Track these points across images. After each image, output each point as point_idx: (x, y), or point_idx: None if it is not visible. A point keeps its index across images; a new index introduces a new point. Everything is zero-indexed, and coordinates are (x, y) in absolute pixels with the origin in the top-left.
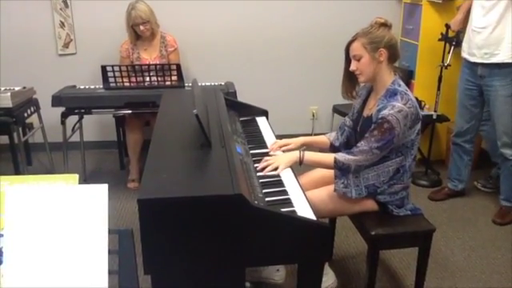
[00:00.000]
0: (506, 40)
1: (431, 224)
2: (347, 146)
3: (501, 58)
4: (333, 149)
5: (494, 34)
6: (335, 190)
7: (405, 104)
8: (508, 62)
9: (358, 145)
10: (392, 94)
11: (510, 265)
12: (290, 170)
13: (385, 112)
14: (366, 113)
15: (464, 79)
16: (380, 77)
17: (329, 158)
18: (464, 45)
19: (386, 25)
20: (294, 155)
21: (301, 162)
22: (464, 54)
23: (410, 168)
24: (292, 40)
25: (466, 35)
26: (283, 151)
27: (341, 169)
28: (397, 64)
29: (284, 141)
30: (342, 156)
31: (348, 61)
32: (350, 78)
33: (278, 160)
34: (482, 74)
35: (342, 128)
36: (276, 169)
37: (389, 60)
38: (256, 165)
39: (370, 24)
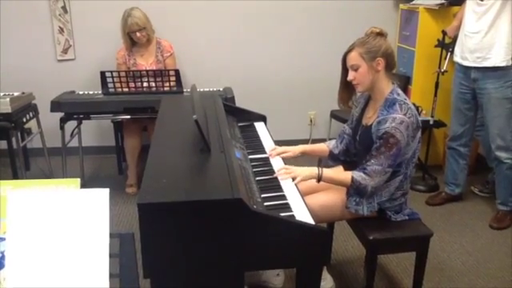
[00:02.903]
0: (497, 44)
1: (429, 229)
2: (347, 153)
3: (493, 62)
4: (332, 157)
5: (486, 39)
6: (347, 208)
7: (405, 114)
8: (500, 66)
9: (369, 163)
10: (391, 103)
11: (507, 269)
12: None
13: (387, 125)
14: (364, 121)
15: (457, 83)
16: (378, 86)
17: (346, 176)
18: (456, 49)
19: (381, 34)
20: (314, 171)
21: (319, 178)
22: (456, 58)
23: (410, 175)
24: (290, 45)
25: (458, 40)
26: (282, 158)
27: (357, 188)
28: (394, 70)
29: (283, 148)
30: (359, 175)
31: (345, 71)
32: (347, 88)
33: (298, 172)
34: (475, 78)
35: (342, 136)
36: (294, 178)
37: (386, 69)
38: (255, 169)
39: (365, 33)
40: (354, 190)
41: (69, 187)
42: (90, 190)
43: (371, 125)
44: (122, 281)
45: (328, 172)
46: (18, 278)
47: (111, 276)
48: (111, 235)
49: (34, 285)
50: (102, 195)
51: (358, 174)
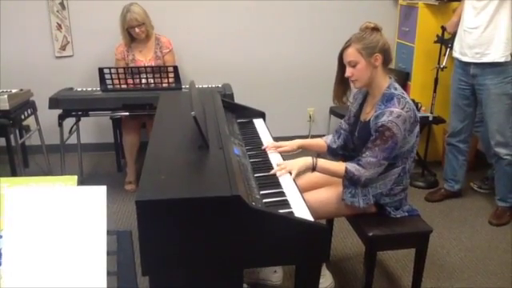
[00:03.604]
0: (496, 40)
1: (428, 225)
2: (344, 148)
3: (492, 57)
4: (330, 152)
5: (485, 34)
6: (343, 200)
7: (402, 108)
8: (499, 62)
9: (364, 155)
10: (389, 98)
11: (506, 265)
12: None
13: (384, 119)
14: (363, 117)
15: (457, 79)
16: (376, 82)
17: (340, 167)
18: (456, 45)
19: (377, 29)
20: (308, 161)
21: (314, 168)
22: (456, 54)
23: (409, 170)
24: (289, 42)
25: (457, 35)
26: (280, 153)
27: (351, 179)
28: (393, 66)
29: (280, 143)
30: (352, 166)
31: (341, 67)
32: (342, 84)
33: (292, 164)
34: (475, 74)
35: (339, 131)
36: (290, 173)
37: (383, 64)
38: (253, 166)
39: (360, 29)
40: (348, 181)
41: (66, 184)
42: (87, 187)
43: (369, 120)
44: (120, 279)
45: (322, 161)
46: (15, 276)
47: (109, 274)
48: (109, 233)
49: (32, 283)
50: (99, 192)
51: (351, 165)
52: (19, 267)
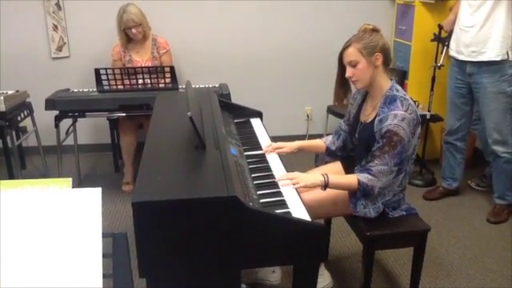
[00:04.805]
0: (492, 38)
1: (426, 224)
2: (344, 149)
3: (488, 56)
4: (329, 153)
5: (481, 33)
6: (357, 213)
7: (406, 110)
8: (496, 60)
9: (373, 164)
10: (391, 100)
11: (504, 263)
12: (284, 170)
13: (388, 123)
14: (363, 119)
15: (453, 77)
16: (377, 82)
17: (352, 179)
18: (452, 43)
19: (376, 30)
20: (319, 179)
21: (326, 185)
22: (452, 53)
23: (409, 171)
24: (286, 41)
25: (453, 34)
26: (278, 154)
27: (364, 190)
28: (390, 66)
29: (279, 144)
30: (364, 177)
31: (341, 68)
32: (343, 86)
33: (302, 178)
34: (471, 72)
35: (338, 132)
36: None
37: (384, 64)
38: (251, 166)
39: (359, 30)
40: (361, 193)
41: (61, 187)
42: (82, 189)
43: (371, 122)
44: (116, 281)
45: (333, 178)
46: (10, 279)
47: (104, 276)
48: (104, 235)
49: (27, 285)
50: (94, 195)
51: (363, 176)
52: (14, 270)
